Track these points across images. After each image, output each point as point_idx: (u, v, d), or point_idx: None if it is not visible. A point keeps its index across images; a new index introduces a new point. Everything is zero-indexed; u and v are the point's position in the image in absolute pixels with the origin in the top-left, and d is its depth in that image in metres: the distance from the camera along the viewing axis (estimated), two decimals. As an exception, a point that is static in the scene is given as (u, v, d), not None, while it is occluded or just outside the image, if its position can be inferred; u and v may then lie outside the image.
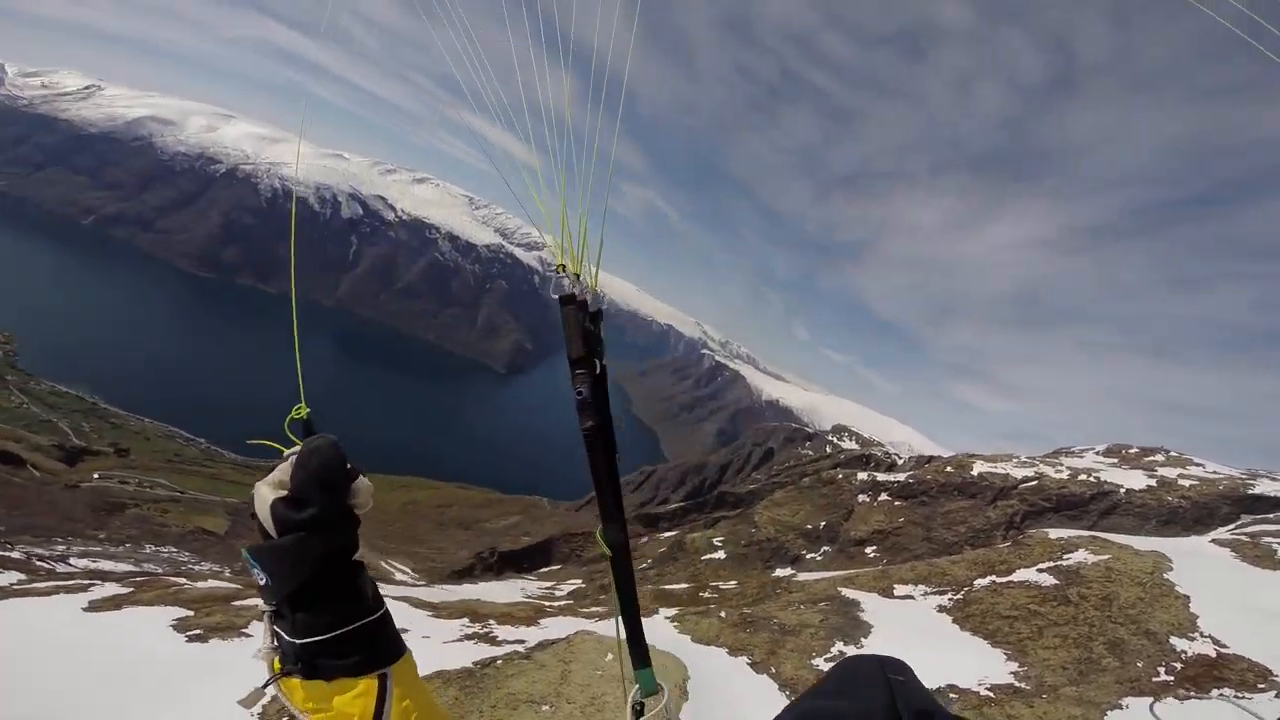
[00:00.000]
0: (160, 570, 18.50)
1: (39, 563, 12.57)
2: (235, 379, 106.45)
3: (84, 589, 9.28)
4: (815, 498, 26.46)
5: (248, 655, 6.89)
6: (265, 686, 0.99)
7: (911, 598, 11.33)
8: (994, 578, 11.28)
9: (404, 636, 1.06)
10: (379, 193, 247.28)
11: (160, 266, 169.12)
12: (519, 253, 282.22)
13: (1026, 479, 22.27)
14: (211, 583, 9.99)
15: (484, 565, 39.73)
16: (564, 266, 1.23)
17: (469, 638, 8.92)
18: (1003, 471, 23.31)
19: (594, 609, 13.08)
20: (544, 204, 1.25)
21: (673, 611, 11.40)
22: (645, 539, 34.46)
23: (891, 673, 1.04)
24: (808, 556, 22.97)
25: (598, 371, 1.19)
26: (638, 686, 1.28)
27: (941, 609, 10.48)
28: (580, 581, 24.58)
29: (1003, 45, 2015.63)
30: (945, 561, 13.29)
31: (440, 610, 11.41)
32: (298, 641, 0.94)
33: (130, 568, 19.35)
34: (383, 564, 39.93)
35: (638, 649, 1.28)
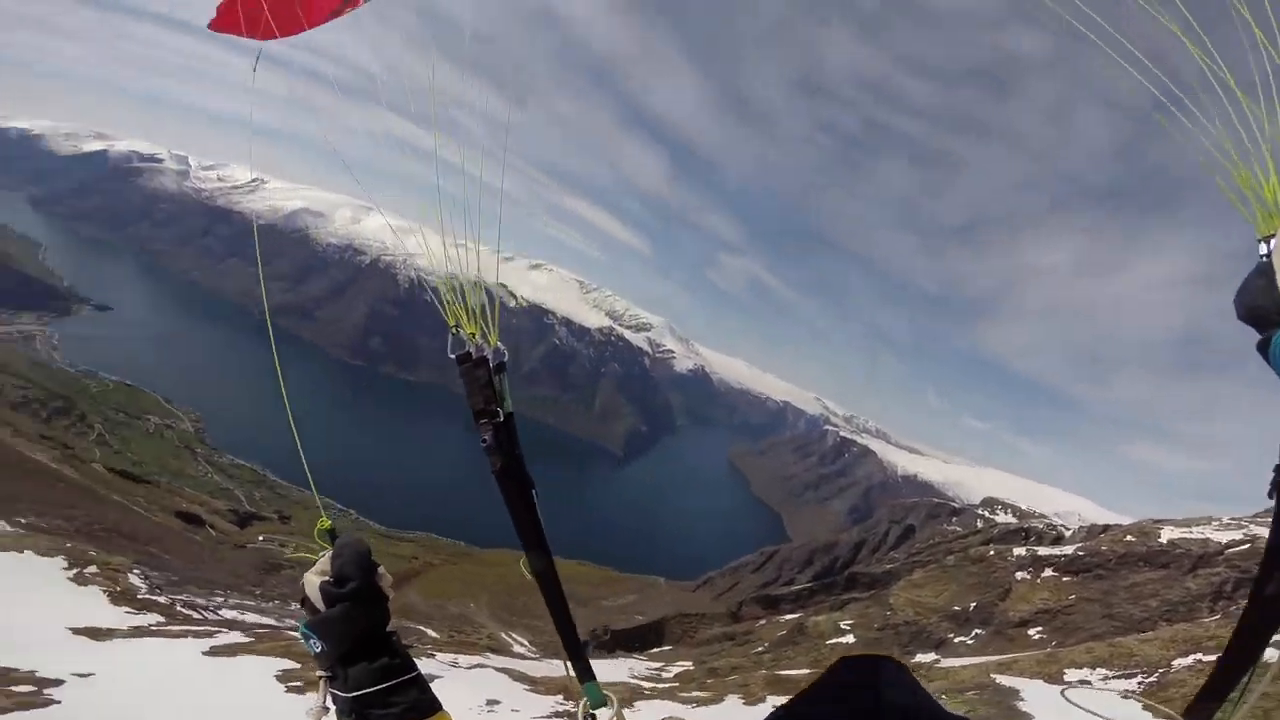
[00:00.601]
0: (269, 621, 19.55)
1: (181, 609, 13.77)
2: (379, 459, 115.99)
3: (210, 635, 10.03)
4: (963, 576, 24.42)
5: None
6: None
7: (1088, 683, 9.49)
8: (1199, 655, 9.39)
9: (496, 708, 1.27)
10: (500, 280, 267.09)
11: (319, 355, 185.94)
12: (629, 335, 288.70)
13: (1234, 542, 19.48)
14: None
15: (597, 643, 39.08)
16: (457, 328, 1.36)
17: (557, 715, 9.01)
18: (1200, 536, 20.55)
19: (696, 693, 12.28)
20: (441, 270, 1.40)
21: (785, 699, 10.31)
22: (763, 622, 32.40)
23: (883, 672, 1.01)
24: (954, 640, 20.46)
25: (501, 419, 1.32)
26: (586, 699, 1.36)
27: (1129, 694, 8.66)
28: (690, 664, 23.25)
29: (1091, 67, 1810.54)
30: (1133, 640, 11.26)
31: (539, 685, 11.35)
32: (350, 696, 1.14)
33: (271, 622, 20.78)
34: (503, 635, 40.23)
35: (580, 664, 1.40)
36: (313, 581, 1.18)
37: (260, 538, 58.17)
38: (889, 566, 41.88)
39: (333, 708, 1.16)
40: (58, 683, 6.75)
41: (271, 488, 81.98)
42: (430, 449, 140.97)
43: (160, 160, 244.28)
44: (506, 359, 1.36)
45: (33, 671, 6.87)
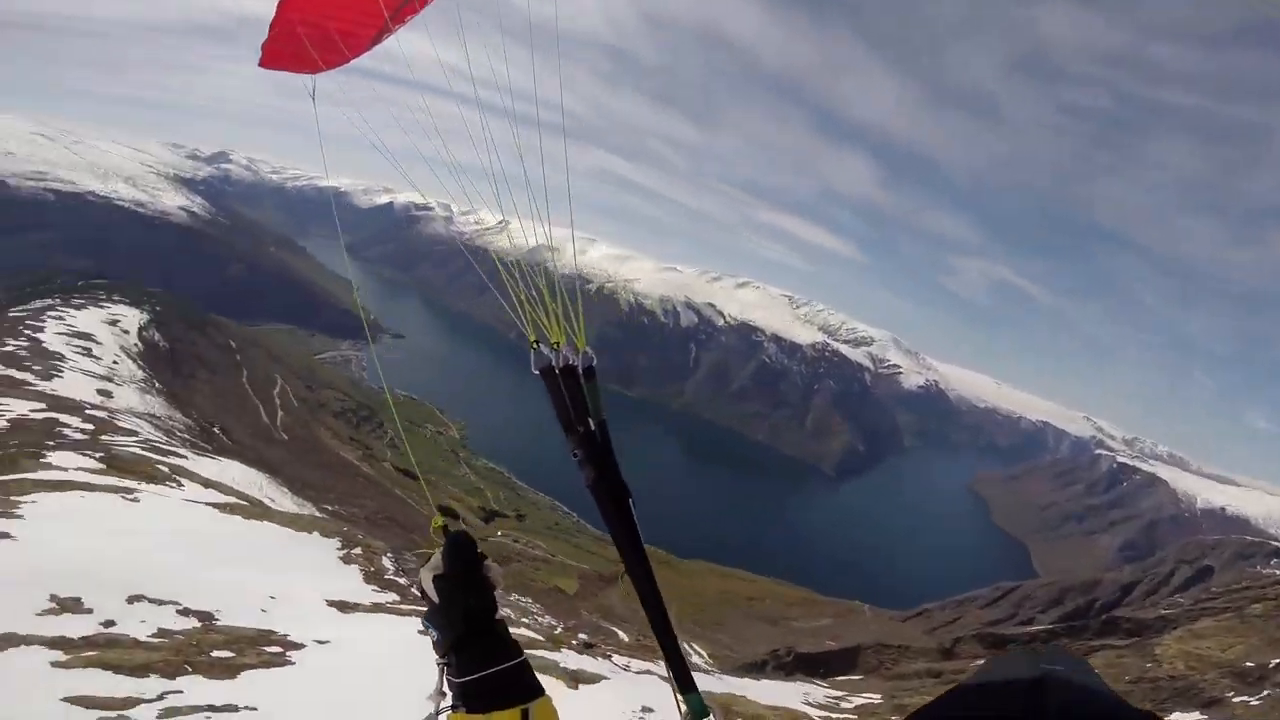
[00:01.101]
0: (508, 615, 21.52)
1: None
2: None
3: None
4: (1271, 629, 18.82)
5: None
6: (437, 715, 1.29)
7: None
8: None
9: (648, 716, 1.26)
10: (709, 299, 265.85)
11: None
12: (845, 350, 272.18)
13: None
14: (527, 632, 11.01)
15: (777, 663, 36.63)
16: (537, 344, 1.31)
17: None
18: None
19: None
20: (516, 286, 1.41)
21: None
22: (981, 661, 27.37)
23: (1048, 663, 0.89)
24: (1234, 700, 15.28)
25: (592, 429, 1.29)
26: (687, 710, 1.30)
27: None
28: (878, 697, 20.46)
29: None
30: None
31: None
32: (459, 680, 1.24)
33: None
34: (684, 645, 40.33)
35: (681, 675, 1.33)
36: (426, 576, 1.29)
37: (499, 533, 66.49)
38: (1165, 612, 33.05)
39: (449, 693, 1.25)
40: (300, 646, 7.93)
41: (514, 489, 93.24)
42: (642, 460, 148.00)
43: (431, 209, 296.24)
44: (595, 362, 1.31)
45: (285, 635, 8.18)
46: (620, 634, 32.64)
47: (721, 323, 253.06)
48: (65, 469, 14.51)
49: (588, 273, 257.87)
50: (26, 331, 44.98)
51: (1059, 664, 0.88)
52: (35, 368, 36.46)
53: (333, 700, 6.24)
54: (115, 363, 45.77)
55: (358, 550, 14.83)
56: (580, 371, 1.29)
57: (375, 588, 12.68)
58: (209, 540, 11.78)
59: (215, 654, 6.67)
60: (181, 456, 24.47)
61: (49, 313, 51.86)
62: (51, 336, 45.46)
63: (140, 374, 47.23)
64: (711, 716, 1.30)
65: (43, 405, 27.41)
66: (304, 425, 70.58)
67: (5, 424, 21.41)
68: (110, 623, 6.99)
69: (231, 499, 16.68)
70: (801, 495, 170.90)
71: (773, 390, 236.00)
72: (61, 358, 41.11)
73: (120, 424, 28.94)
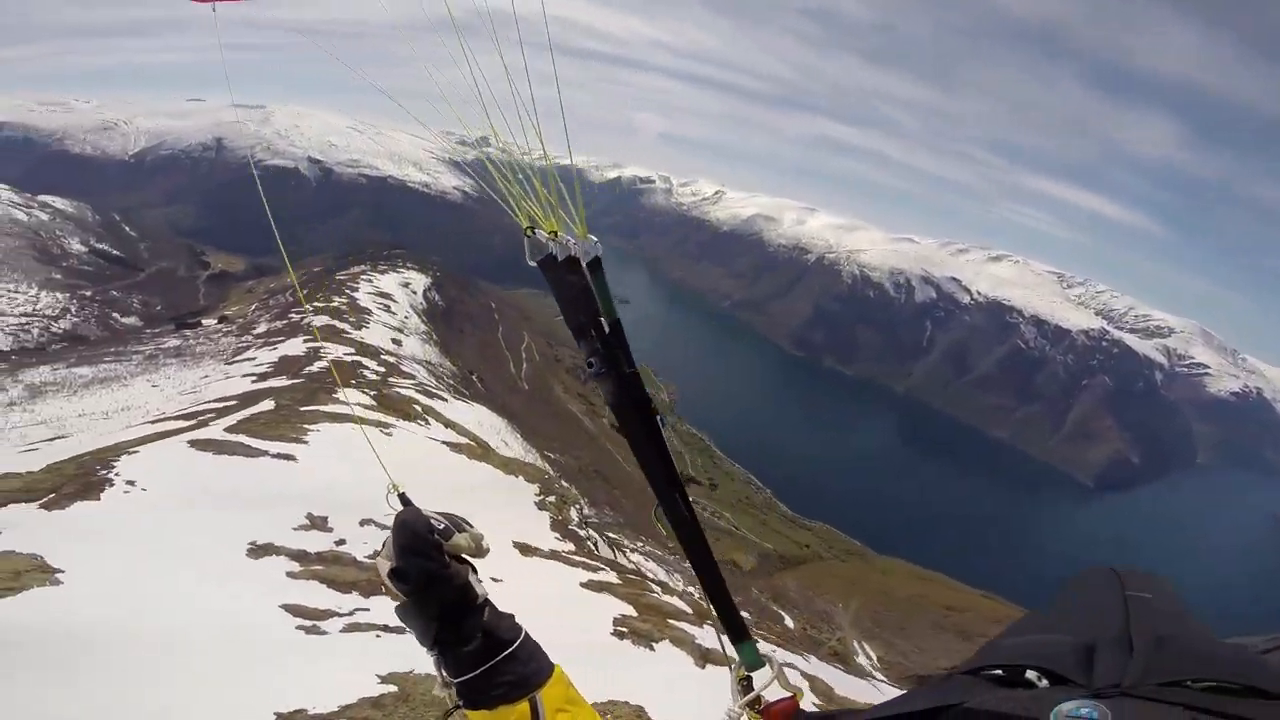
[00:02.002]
0: (660, 576, 21.55)
1: (593, 546, 16.76)
2: (803, 443, 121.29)
3: (595, 570, 11.76)
4: None
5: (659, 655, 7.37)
6: (452, 711, 1.14)
7: None
8: None
9: None
10: (952, 274, 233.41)
11: (767, 345, 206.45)
12: (1132, 340, 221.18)
13: None
14: (678, 603, 11.19)
15: None
16: (531, 230, 1.08)
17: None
18: None
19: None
20: (501, 166, 1.14)
21: None
22: None
23: (1133, 589, 0.85)
24: None
25: (607, 331, 1.08)
26: (739, 661, 1.17)
27: None
28: None
29: None
30: None
31: (831, 701, 9.66)
32: (454, 681, 1.12)
33: (655, 573, 23.73)
34: (854, 643, 37.36)
35: (732, 623, 1.18)
36: (381, 570, 1.11)
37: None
38: None
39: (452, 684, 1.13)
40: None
41: (711, 457, 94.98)
42: (853, 441, 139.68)
43: (652, 182, 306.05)
44: (601, 252, 1.09)
45: None
46: (787, 620, 31.56)
47: (967, 300, 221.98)
48: (348, 404, 18.22)
49: (805, 243, 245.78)
50: (347, 291, 57.28)
51: (1146, 590, 0.82)
52: (351, 320, 46.27)
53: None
54: (406, 317, 56.07)
55: (552, 498, 16.32)
56: (584, 264, 1.07)
57: (558, 535, 13.78)
58: (430, 474, 13.91)
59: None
60: (442, 400, 29.15)
61: (362, 276, 65.24)
62: (364, 295, 57.18)
63: (423, 327, 57.27)
64: (768, 668, 1.14)
65: (353, 350, 34.86)
66: (542, 378, 79.93)
67: (326, 363, 27.72)
68: (341, 541, 8.66)
69: (464, 440, 19.51)
70: (1044, 505, 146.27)
71: (1025, 381, 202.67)
72: (369, 312, 51.47)
73: (403, 369, 35.48)
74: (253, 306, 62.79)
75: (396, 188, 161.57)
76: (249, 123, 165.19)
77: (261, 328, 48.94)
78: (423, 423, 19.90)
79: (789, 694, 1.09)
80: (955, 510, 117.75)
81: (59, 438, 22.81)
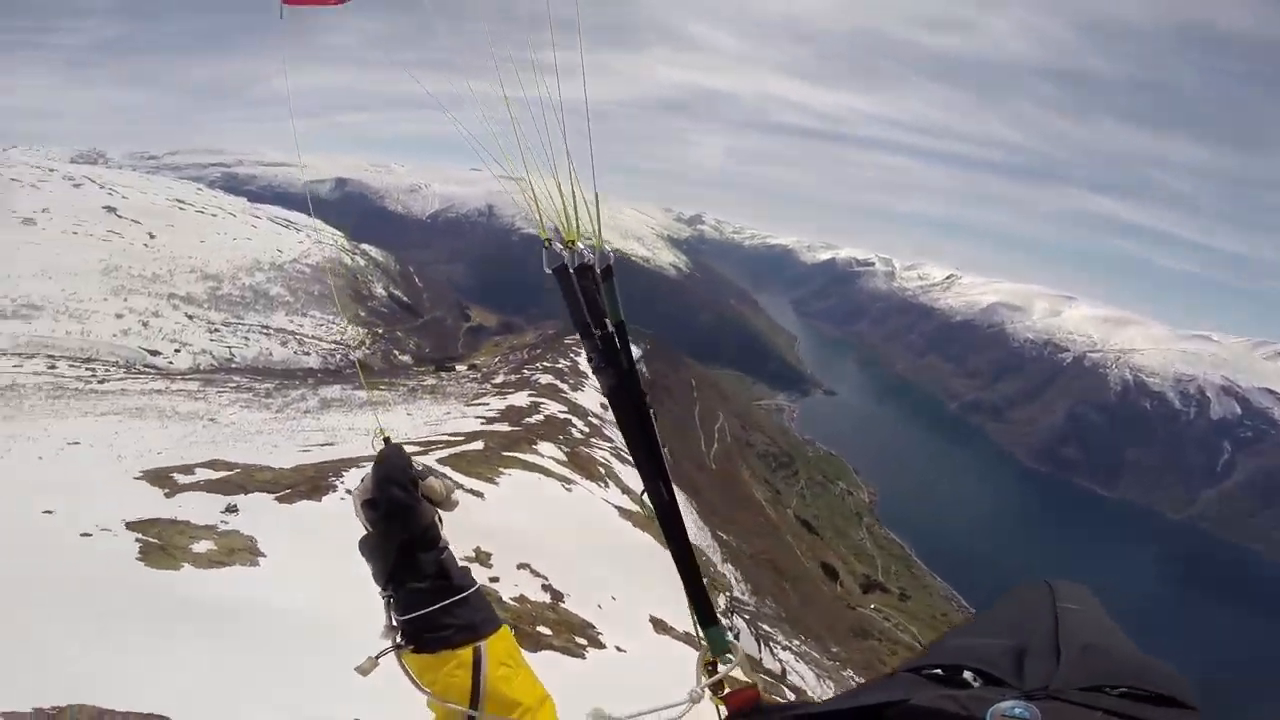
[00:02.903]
0: (807, 680, 19.23)
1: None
2: (1030, 564, 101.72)
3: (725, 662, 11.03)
4: None
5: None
6: (379, 657, 1.15)
7: None
8: None
9: None
10: (1265, 384, 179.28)
11: (1001, 455, 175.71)
12: None
13: None
14: None
15: None
16: (549, 242, 1.19)
17: None
18: None
19: None
20: (521, 177, 1.25)
21: None
22: None
23: (1063, 600, 0.91)
24: None
25: (608, 331, 1.17)
26: (706, 646, 1.21)
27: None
28: None
29: None
30: None
31: None
32: (402, 618, 1.12)
33: (804, 671, 21.12)
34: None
35: (702, 607, 1.22)
36: (355, 500, 1.16)
37: (872, 605, 61.17)
38: None
39: (398, 627, 1.15)
40: (601, 646, 9.03)
41: (909, 566, 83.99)
42: (1105, 570, 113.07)
43: (872, 264, 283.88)
44: (613, 261, 1.23)
45: (600, 633, 9.49)
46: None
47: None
48: (542, 455, 20.06)
49: (1061, 339, 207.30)
50: (571, 354, 63.66)
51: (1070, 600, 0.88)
52: (569, 381, 51.16)
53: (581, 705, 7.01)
54: (616, 386, 60.41)
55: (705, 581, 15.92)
56: (597, 272, 1.21)
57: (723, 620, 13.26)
58: (594, 533, 14.55)
59: (539, 629, 8.33)
60: (632, 466, 30.58)
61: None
62: (584, 361, 63.11)
63: (629, 396, 61.11)
64: (732, 654, 1.18)
65: (566, 409, 38.49)
66: (730, 459, 79.33)
67: (542, 417, 31.03)
68: (495, 579, 9.49)
69: (635, 508, 20.16)
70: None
71: None
72: (586, 376, 56.41)
73: (605, 432, 38.09)
74: (496, 359, 72.64)
75: (622, 261, 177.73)
76: (512, 193, 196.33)
77: (499, 378, 56.34)
78: (603, 484, 20.99)
79: (749, 682, 1.11)
80: (1257, 665, 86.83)
81: (329, 444, 28.42)
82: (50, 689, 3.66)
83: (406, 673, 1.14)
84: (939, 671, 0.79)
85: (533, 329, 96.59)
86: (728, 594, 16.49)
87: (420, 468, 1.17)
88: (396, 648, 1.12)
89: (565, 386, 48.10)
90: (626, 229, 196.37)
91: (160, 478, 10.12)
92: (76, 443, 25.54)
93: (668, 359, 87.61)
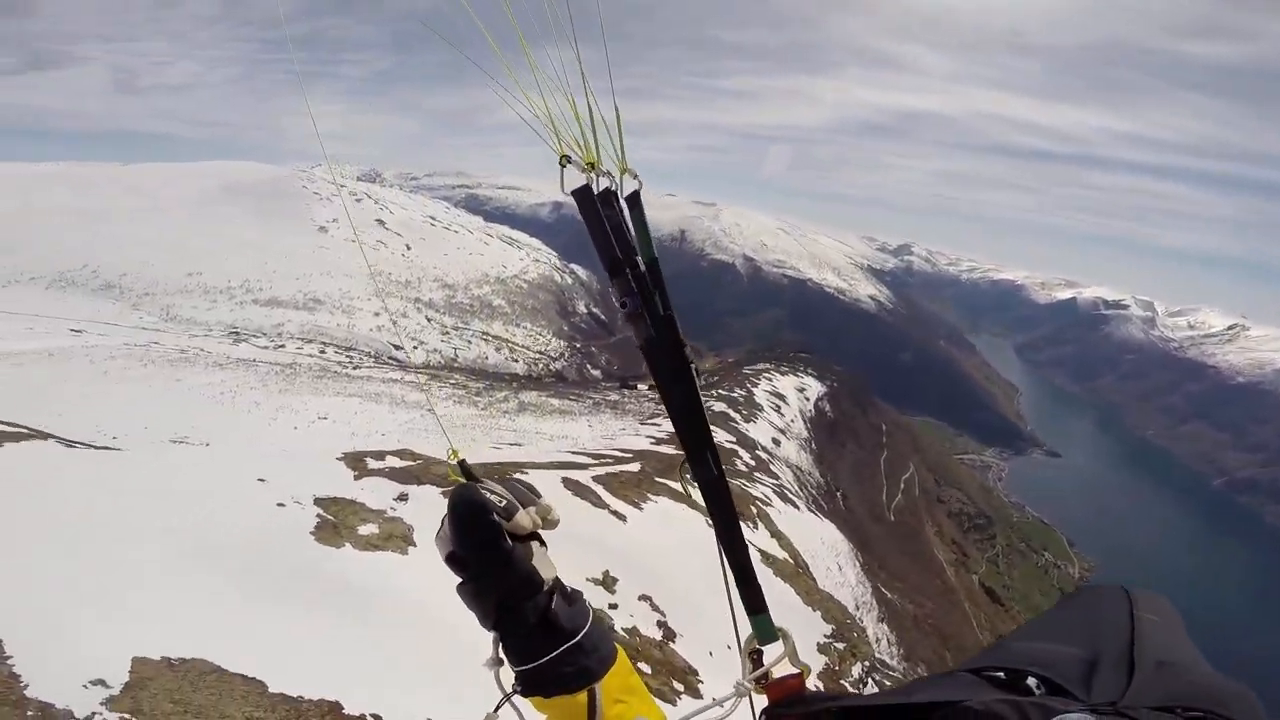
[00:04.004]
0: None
1: None
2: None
3: None
4: None
5: None
6: (497, 710, 1.09)
7: None
8: None
9: None
10: None
11: (1275, 541, 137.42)
12: None
13: None
14: None
15: None
16: (567, 160, 0.98)
17: None
18: None
19: None
20: (531, 93, 1.00)
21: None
22: None
23: (1142, 610, 0.85)
24: None
25: (641, 270, 1.00)
26: (751, 633, 1.12)
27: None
28: None
29: None
30: None
31: None
32: (517, 669, 1.05)
33: None
34: None
35: (751, 593, 1.12)
36: (439, 549, 1.06)
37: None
38: None
39: (505, 660, 1.08)
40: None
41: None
42: None
43: (1125, 307, 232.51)
44: (642, 188, 1.05)
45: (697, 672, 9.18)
46: None
47: None
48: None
49: None
50: (748, 385, 62.98)
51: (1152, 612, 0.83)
52: (742, 412, 50.65)
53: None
54: (792, 421, 58.39)
55: (840, 645, 14.57)
56: (622, 199, 1.03)
57: (818, 685, 12.21)
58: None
59: (640, 665, 8.22)
60: (794, 508, 29.33)
61: (765, 374, 70.75)
62: (761, 392, 61.91)
63: (805, 433, 58.69)
64: (783, 640, 1.09)
65: (734, 439, 38.19)
66: (914, 514, 71.92)
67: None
68: (614, 605, 9.60)
69: (783, 554, 19.14)
70: None
71: None
72: (761, 409, 55.38)
73: (772, 468, 37.05)
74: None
75: (814, 291, 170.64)
76: (703, 219, 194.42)
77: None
78: (752, 525, 20.30)
79: (796, 670, 1.03)
80: None
81: (516, 444, 31.23)
82: (180, 642, 4.47)
83: (519, 714, 1.08)
84: (1000, 674, 0.75)
85: (714, 355, 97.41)
86: (866, 661, 14.83)
87: (504, 502, 1.02)
88: (509, 695, 1.07)
89: (738, 416, 47.59)
90: (821, 257, 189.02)
91: (356, 460, 11.91)
92: (325, 418, 31.29)
93: (857, 399, 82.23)
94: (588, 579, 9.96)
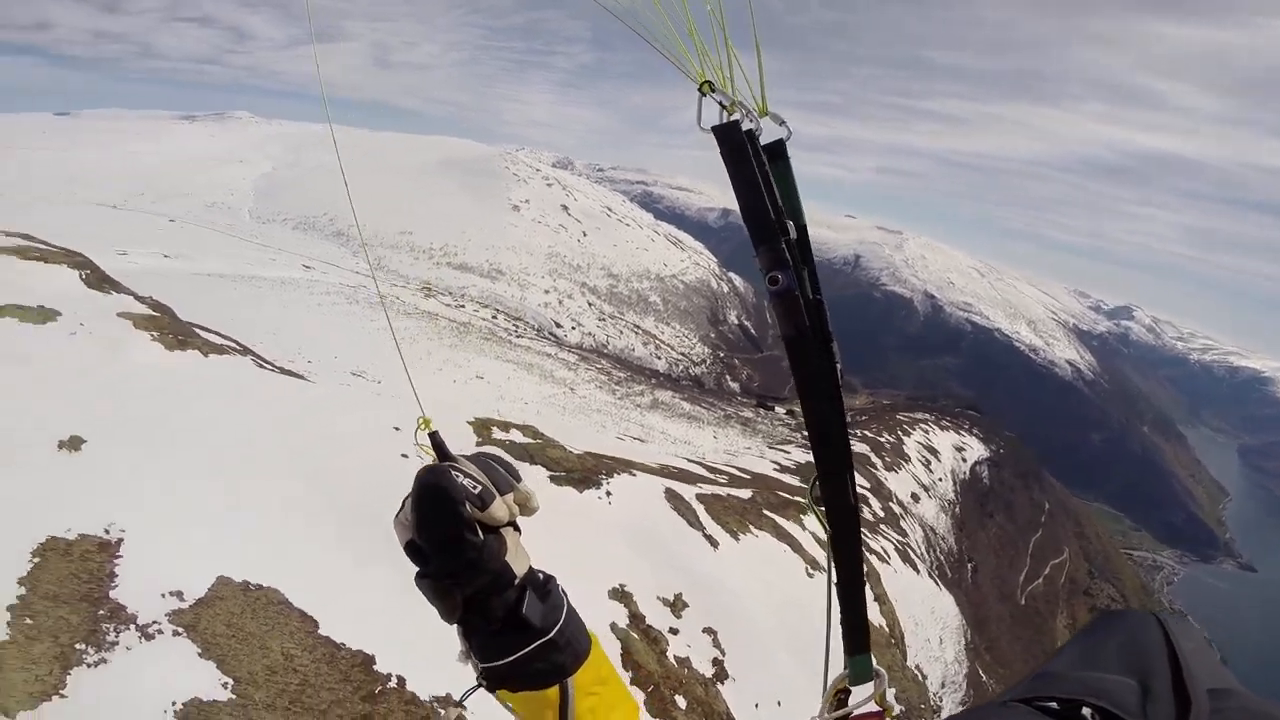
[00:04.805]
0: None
1: None
2: None
3: None
4: None
5: None
6: (462, 701, 1.04)
7: None
8: None
9: None
10: None
11: None
12: None
13: None
14: None
15: None
16: (709, 86, 0.79)
17: None
18: None
19: None
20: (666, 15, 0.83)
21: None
22: None
23: (1179, 638, 0.82)
24: None
25: (792, 237, 0.83)
26: (843, 673, 1.03)
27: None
28: None
29: None
30: None
31: None
32: (482, 666, 0.98)
33: None
34: None
35: (856, 632, 1.02)
36: (399, 536, 0.94)
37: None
38: None
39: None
40: None
41: None
42: None
43: None
44: (790, 137, 0.85)
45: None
46: None
47: None
48: (804, 528, 19.00)
49: None
50: (899, 432, 58.42)
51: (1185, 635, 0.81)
52: (885, 458, 47.16)
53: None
54: (939, 480, 53.30)
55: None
56: (761, 147, 0.82)
57: None
58: (804, 633, 13.11)
59: (677, 698, 8.00)
60: (913, 570, 26.86)
61: (920, 424, 65.12)
62: (911, 442, 57.16)
63: (950, 496, 53.33)
64: (877, 681, 1.01)
65: (869, 485, 35.79)
66: (1049, 601, 63.01)
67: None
68: (675, 631, 9.42)
69: (881, 622, 17.52)
70: None
71: None
72: (907, 460, 51.13)
73: (902, 524, 34.22)
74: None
75: (1000, 343, 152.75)
76: (884, 246, 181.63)
77: (808, 428, 55.06)
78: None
79: (879, 709, 0.96)
80: None
81: (639, 440, 31.83)
82: (263, 570, 5.05)
83: (502, 702, 1.06)
84: (1054, 705, 0.72)
85: (868, 393, 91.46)
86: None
87: (478, 489, 0.90)
88: (477, 688, 1.01)
89: (879, 462, 44.29)
90: (1017, 306, 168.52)
91: (483, 427, 12.85)
92: (481, 377, 34.24)
93: (1022, 472, 72.89)
94: (659, 597, 9.88)
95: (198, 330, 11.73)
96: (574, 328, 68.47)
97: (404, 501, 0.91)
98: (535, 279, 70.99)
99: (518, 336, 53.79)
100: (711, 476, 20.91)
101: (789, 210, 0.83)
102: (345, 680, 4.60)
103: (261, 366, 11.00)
